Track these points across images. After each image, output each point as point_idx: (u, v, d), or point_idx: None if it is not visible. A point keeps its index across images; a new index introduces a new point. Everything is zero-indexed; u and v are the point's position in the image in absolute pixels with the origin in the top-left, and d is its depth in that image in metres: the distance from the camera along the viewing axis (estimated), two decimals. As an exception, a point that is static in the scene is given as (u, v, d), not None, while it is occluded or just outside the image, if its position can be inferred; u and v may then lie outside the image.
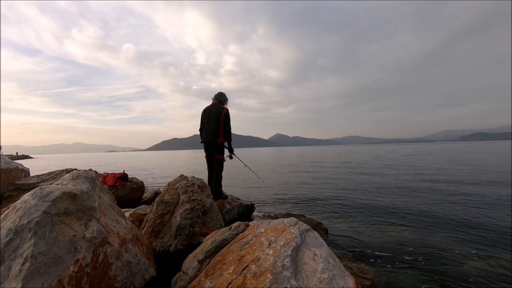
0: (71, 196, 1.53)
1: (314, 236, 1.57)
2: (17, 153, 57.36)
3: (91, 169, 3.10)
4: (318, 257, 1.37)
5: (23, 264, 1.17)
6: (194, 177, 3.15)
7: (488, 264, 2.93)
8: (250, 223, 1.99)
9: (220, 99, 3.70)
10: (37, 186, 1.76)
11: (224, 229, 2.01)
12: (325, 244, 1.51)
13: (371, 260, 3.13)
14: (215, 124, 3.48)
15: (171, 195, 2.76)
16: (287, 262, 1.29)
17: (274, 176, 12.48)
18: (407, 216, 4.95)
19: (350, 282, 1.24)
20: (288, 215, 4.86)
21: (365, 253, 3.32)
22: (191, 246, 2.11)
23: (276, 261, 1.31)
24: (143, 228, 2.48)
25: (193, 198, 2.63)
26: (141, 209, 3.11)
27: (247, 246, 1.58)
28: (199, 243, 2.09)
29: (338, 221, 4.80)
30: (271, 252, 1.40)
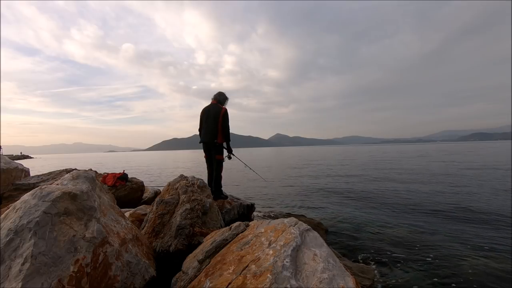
0: (71, 196, 1.53)
1: (314, 236, 1.57)
2: (21, 152, 57.45)
3: (91, 169, 3.10)
4: (318, 257, 1.37)
5: (23, 264, 1.17)
6: (194, 177, 3.15)
7: (488, 264, 2.93)
8: (250, 223, 1.99)
9: (219, 99, 3.69)
10: (37, 186, 1.76)
11: (224, 229, 2.01)
12: (325, 244, 1.51)
13: (371, 260, 3.13)
14: (213, 124, 3.47)
15: (171, 195, 2.76)
16: (287, 262, 1.29)
17: (274, 176, 12.48)
18: (407, 216, 4.95)
19: (350, 282, 1.24)
20: (288, 215, 4.86)
21: (365, 253, 3.32)
22: (191, 246, 2.11)
23: (276, 261, 1.31)
24: (143, 228, 2.48)
25: (193, 198, 2.63)
26: (141, 209, 3.11)
27: (247, 246, 1.58)
28: (199, 243, 2.09)
29: (338, 221, 4.80)
30: (271, 252, 1.40)
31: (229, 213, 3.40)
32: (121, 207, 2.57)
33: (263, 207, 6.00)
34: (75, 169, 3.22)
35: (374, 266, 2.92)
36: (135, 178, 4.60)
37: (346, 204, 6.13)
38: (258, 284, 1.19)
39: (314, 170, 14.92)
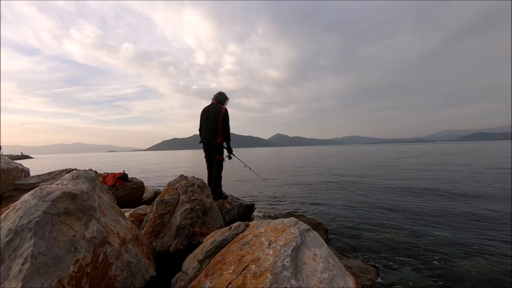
0: (71, 196, 1.53)
1: (314, 236, 1.57)
2: (21, 153, 57.32)
3: (91, 169, 3.10)
4: (318, 257, 1.37)
5: (23, 264, 1.17)
6: (194, 177, 3.15)
7: (488, 264, 2.93)
8: (250, 223, 1.99)
9: (219, 99, 3.70)
10: (37, 186, 1.76)
11: (224, 229, 2.01)
12: (325, 244, 1.51)
13: (371, 260, 3.12)
14: (213, 124, 3.47)
15: (171, 195, 2.76)
16: (287, 262, 1.29)
17: (274, 176, 12.48)
18: (407, 216, 4.95)
19: (350, 282, 1.24)
20: (288, 215, 4.86)
21: (365, 253, 3.32)
22: (191, 246, 2.11)
23: (276, 261, 1.31)
24: (143, 228, 2.48)
25: (193, 198, 2.63)
26: (141, 209, 3.11)
27: (247, 246, 1.58)
28: (199, 243, 2.09)
29: (338, 221, 4.79)
30: (271, 252, 1.40)
31: (229, 213, 3.40)
32: (121, 207, 2.57)
33: (263, 207, 6.00)
34: (75, 169, 3.22)
35: (374, 266, 2.92)
36: (135, 178, 4.60)
37: (346, 204, 6.12)
38: (258, 284, 1.19)
39: (314, 170, 14.92)
